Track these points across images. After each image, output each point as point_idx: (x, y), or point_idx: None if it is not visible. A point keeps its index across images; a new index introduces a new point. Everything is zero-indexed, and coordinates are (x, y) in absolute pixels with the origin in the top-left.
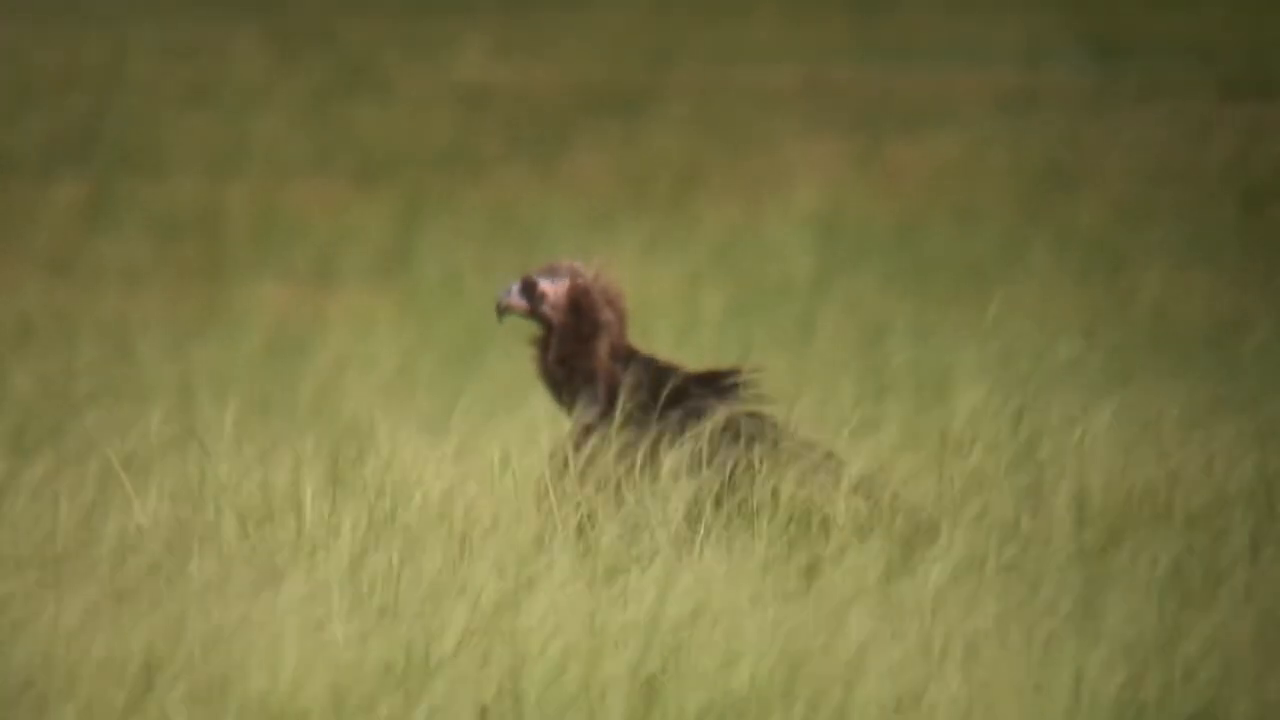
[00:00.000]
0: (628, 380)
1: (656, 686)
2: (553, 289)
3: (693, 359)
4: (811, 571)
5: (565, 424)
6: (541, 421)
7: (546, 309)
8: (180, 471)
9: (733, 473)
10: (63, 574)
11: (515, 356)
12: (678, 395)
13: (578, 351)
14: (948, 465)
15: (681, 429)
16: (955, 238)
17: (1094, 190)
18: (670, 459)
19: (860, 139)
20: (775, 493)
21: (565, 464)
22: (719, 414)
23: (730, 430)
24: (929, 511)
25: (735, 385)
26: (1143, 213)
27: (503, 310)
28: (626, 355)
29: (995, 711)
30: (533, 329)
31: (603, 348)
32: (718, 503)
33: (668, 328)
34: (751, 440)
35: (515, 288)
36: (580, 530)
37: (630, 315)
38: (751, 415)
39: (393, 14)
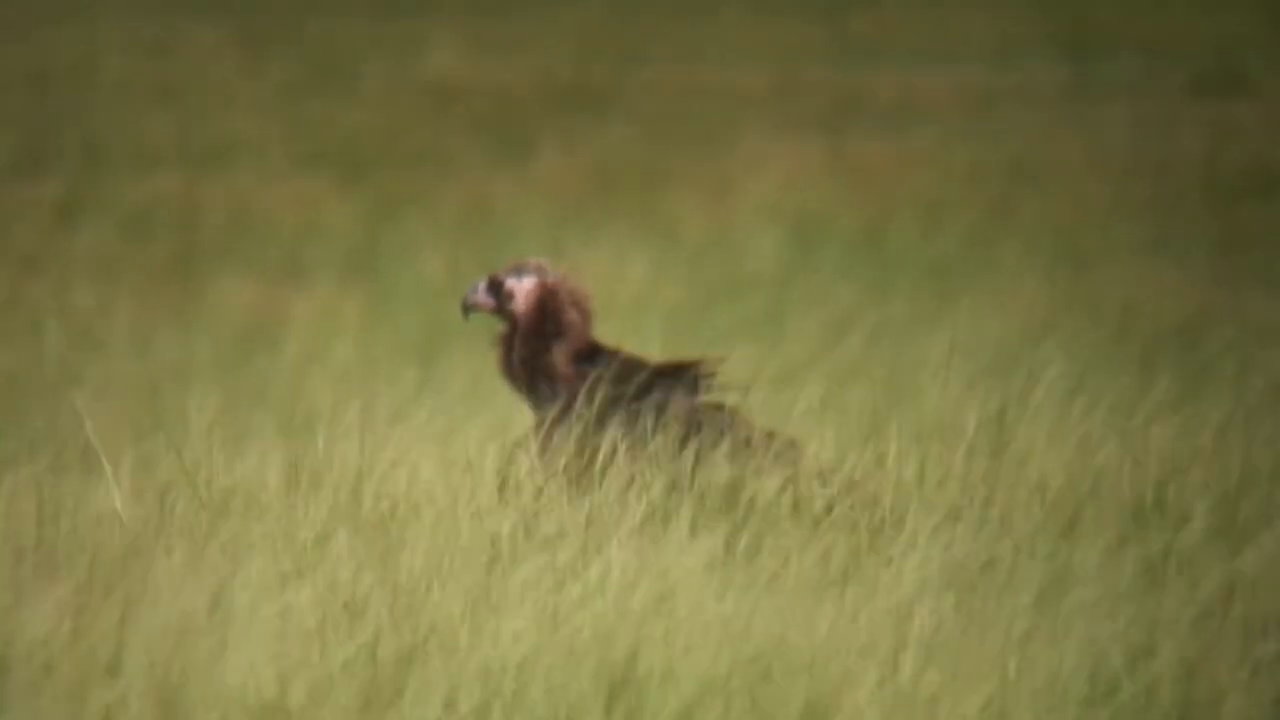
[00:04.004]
0: (591, 374)
1: (623, 680)
2: (519, 287)
3: (659, 354)
4: (773, 563)
5: (529, 419)
6: (505, 417)
7: (512, 307)
8: (148, 464)
9: (694, 464)
10: (29, 565)
11: (481, 353)
12: (641, 388)
13: (541, 349)
14: (910, 457)
15: (644, 421)
16: (923, 234)
17: (1061, 187)
18: (632, 451)
19: (829, 137)
20: (736, 484)
21: (528, 458)
22: (682, 405)
23: (692, 422)
24: (891, 502)
25: (698, 377)
26: (1110, 210)
27: (468, 308)
28: (591, 352)
29: (960, 703)
30: (499, 326)
31: (567, 347)
32: (679, 494)
33: (635, 323)
34: (714, 431)
35: (481, 285)
36: (543, 523)
37: (597, 313)
38: (714, 406)
39: (363, 13)
